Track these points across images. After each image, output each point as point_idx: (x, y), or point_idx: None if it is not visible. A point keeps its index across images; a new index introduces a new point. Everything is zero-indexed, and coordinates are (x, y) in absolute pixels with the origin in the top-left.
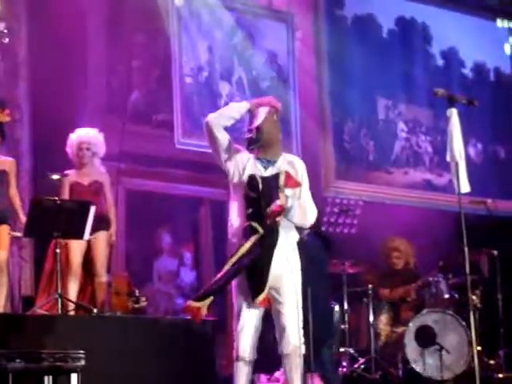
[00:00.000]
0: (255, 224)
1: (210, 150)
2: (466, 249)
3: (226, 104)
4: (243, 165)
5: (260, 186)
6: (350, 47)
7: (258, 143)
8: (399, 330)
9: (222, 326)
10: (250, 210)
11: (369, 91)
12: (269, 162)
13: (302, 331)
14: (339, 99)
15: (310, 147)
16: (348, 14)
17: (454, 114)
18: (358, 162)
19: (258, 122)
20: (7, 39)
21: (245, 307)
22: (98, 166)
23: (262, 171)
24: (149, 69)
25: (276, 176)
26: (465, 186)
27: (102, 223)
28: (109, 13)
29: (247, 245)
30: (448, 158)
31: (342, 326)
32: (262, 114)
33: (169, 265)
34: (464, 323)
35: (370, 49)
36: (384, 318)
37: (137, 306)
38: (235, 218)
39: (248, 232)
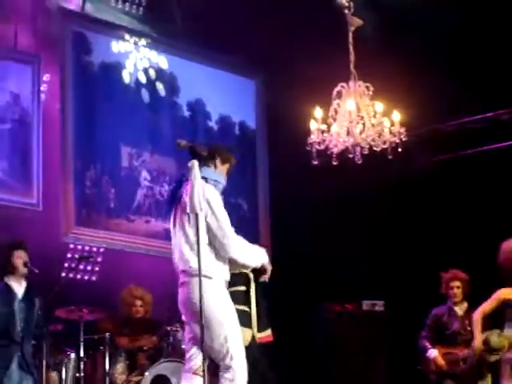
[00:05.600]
0: None
1: None
2: None
3: None
4: None
5: None
6: (96, 94)
7: None
8: (135, 378)
9: None
10: None
11: (113, 139)
12: None
13: None
14: (83, 145)
15: (50, 192)
16: (95, 60)
17: (195, 165)
18: (99, 209)
19: None
20: None
21: None
22: None
23: None
24: None
25: None
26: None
27: None
28: None
29: None
30: (188, 210)
31: (77, 375)
32: None
33: None
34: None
35: (116, 96)
36: (120, 367)
37: None
38: None
39: None
